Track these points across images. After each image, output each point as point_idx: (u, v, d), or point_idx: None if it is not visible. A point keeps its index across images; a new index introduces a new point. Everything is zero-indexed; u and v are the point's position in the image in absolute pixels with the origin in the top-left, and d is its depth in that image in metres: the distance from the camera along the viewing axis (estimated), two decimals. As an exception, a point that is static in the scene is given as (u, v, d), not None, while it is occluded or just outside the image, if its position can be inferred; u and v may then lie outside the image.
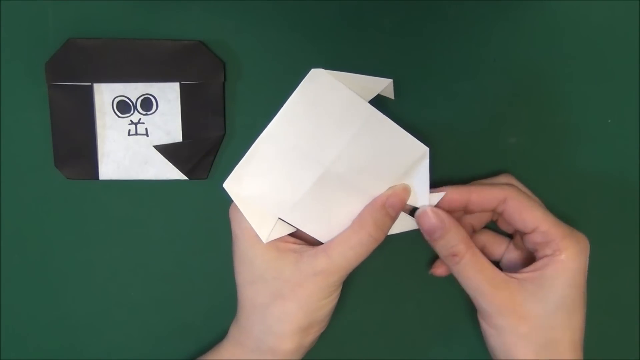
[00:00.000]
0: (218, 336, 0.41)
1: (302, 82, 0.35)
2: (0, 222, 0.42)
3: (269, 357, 0.37)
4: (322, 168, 0.36)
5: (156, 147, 0.41)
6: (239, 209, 0.37)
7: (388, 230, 0.37)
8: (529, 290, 0.36)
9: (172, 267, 0.43)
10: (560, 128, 0.41)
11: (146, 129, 0.41)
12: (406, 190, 0.37)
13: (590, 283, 0.37)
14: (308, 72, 0.35)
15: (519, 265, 0.40)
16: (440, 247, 0.37)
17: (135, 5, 0.40)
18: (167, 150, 0.41)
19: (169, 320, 0.43)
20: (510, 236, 0.41)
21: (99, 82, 0.40)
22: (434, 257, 0.42)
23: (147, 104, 0.41)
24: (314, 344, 0.39)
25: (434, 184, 0.38)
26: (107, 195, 0.42)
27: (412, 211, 0.38)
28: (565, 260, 0.36)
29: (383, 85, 0.36)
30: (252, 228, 0.36)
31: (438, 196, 0.37)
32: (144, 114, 0.41)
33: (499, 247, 0.41)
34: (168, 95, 0.40)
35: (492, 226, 0.41)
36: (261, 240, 0.36)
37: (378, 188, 0.37)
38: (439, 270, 0.41)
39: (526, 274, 0.37)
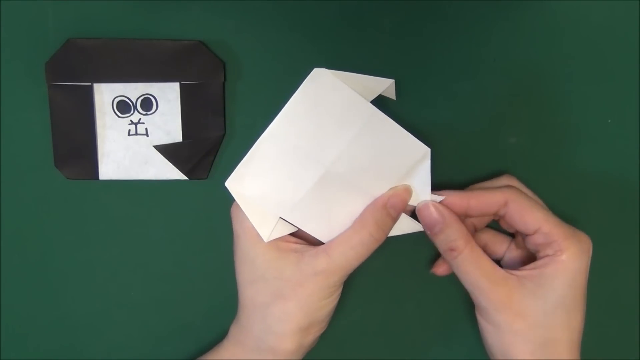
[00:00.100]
0: (218, 336, 0.41)
1: (304, 82, 0.35)
2: (0, 222, 0.42)
3: (269, 357, 0.37)
4: (324, 168, 0.36)
5: (156, 147, 0.41)
6: (240, 208, 0.37)
7: (389, 231, 0.37)
8: (528, 288, 0.36)
9: (172, 267, 0.43)
10: (560, 128, 0.41)
11: (146, 129, 0.41)
12: (407, 191, 0.37)
13: (590, 283, 0.37)
14: (309, 71, 0.35)
15: (520, 265, 0.39)
16: (439, 242, 0.37)
17: (135, 5, 0.40)
18: (167, 150, 0.41)
19: (169, 320, 0.43)
20: (512, 235, 0.41)
21: (99, 82, 0.40)
22: (435, 257, 0.42)
23: (147, 104, 0.41)
24: (315, 345, 0.39)
25: (434, 186, 0.38)
26: (107, 195, 0.42)
27: (413, 213, 0.38)
28: (566, 260, 0.36)
29: (385, 85, 0.36)
30: (253, 227, 0.36)
31: (438, 198, 0.37)
32: (144, 114, 0.41)
33: (501, 246, 0.41)
34: (168, 95, 0.40)
35: (494, 225, 0.41)
36: (262, 239, 0.36)
37: (379, 188, 0.37)
38: (440, 269, 0.41)
39: (526, 271, 0.37)
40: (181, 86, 0.40)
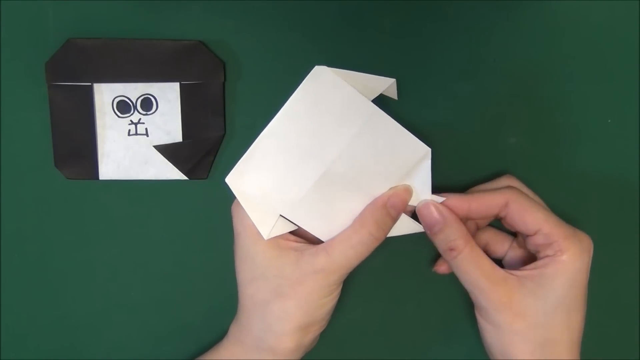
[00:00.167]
0: (218, 336, 0.41)
1: (305, 79, 0.35)
2: (0, 222, 0.42)
3: (268, 356, 0.37)
4: (324, 166, 0.36)
5: (156, 147, 0.41)
6: (241, 207, 0.37)
7: (389, 230, 0.37)
8: (528, 287, 0.36)
9: (172, 267, 0.43)
10: (560, 128, 0.41)
11: (146, 129, 0.41)
12: (407, 191, 0.37)
13: (591, 283, 0.37)
14: (309, 71, 0.35)
15: (522, 264, 0.39)
16: (439, 241, 0.37)
17: (135, 5, 0.40)
18: (167, 150, 0.41)
19: (169, 320, 0.43)
20: (513, 234, 0.41)
21: (99, 82, 0.40)
22: (435, 257, 0.42)
23: (147, 104, 0.41)
24: (314, 344, 0.39)
25: (435, 186, 0.38)
26: (107, 195, 0.42)
27: (414, 214, 0.38)
28: (567, 260, 0.36)
29: (386, 84, 0.36)
30: (253, 225, 0.37)
31: (439, 199, 0.37)
32: (144, 114, 0.41)
33: (502, 245, 0.41)
34: (168, 95, 0.40)
35: (497, 224, 0.41)
36: (262, 237, 0.36)
37: (379, 187, 0.37)
38: (441, 267, 0.41)
39: (526, 271, 0.37)
40: (181, 86, 0.40)
